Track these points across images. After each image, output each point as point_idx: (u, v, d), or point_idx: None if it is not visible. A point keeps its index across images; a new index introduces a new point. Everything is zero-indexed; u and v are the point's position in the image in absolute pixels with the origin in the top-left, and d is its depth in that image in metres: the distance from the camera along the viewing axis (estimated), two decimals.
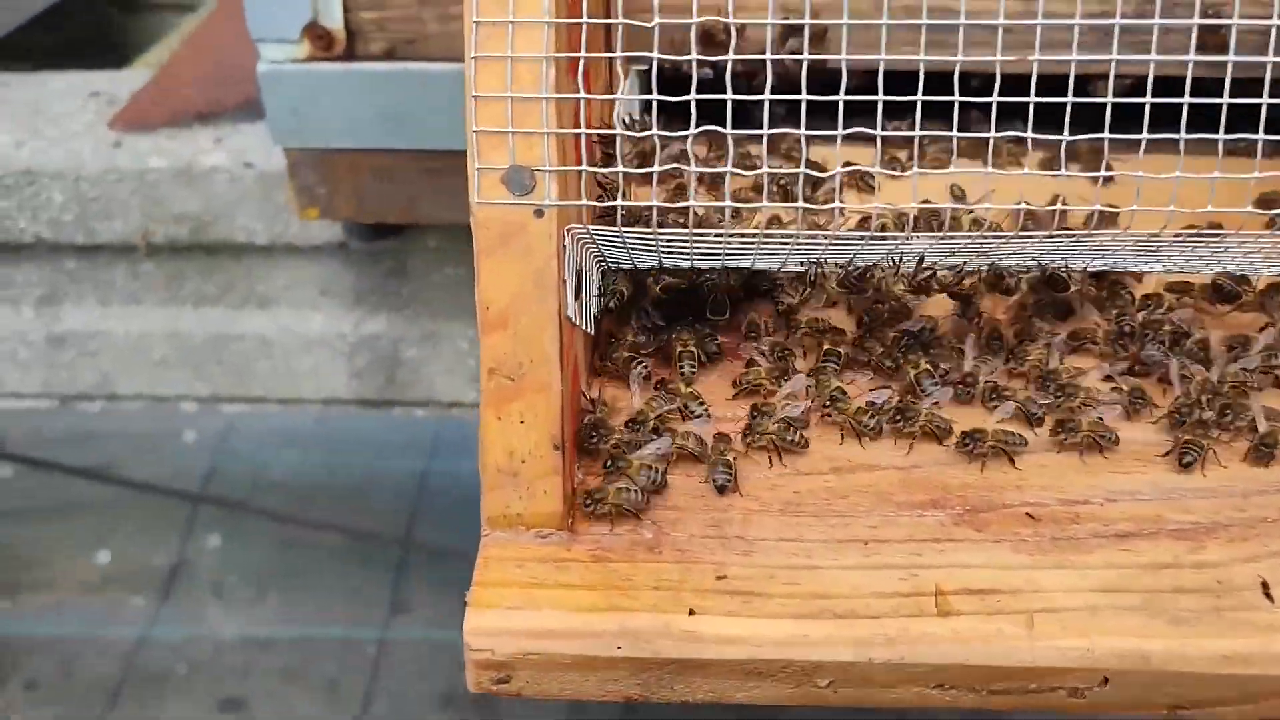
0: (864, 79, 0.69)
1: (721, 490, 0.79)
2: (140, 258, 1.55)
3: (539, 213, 0.73)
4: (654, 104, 0.73)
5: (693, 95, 0.69)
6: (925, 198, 1.01)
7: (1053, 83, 0.70)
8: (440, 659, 2.08)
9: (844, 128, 0.67)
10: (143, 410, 2.04)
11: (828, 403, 0.85)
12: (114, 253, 1.54)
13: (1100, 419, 0.84)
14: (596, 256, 0.85)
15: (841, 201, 0.95)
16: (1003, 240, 0.84)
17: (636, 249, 0.83)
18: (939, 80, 0.70)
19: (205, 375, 1.62)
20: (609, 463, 0.80)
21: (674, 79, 0.77)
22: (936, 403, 0.85)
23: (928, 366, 0.87)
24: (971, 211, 0.97)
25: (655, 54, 0.71)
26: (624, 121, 1.09)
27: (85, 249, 1.54)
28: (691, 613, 0.69)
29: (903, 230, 0.89)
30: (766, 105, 0.69)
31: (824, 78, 0.70)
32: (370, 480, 2.38)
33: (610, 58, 0.96)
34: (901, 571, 0.73)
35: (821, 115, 0.72)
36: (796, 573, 0.72)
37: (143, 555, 2.30)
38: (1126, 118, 0.71)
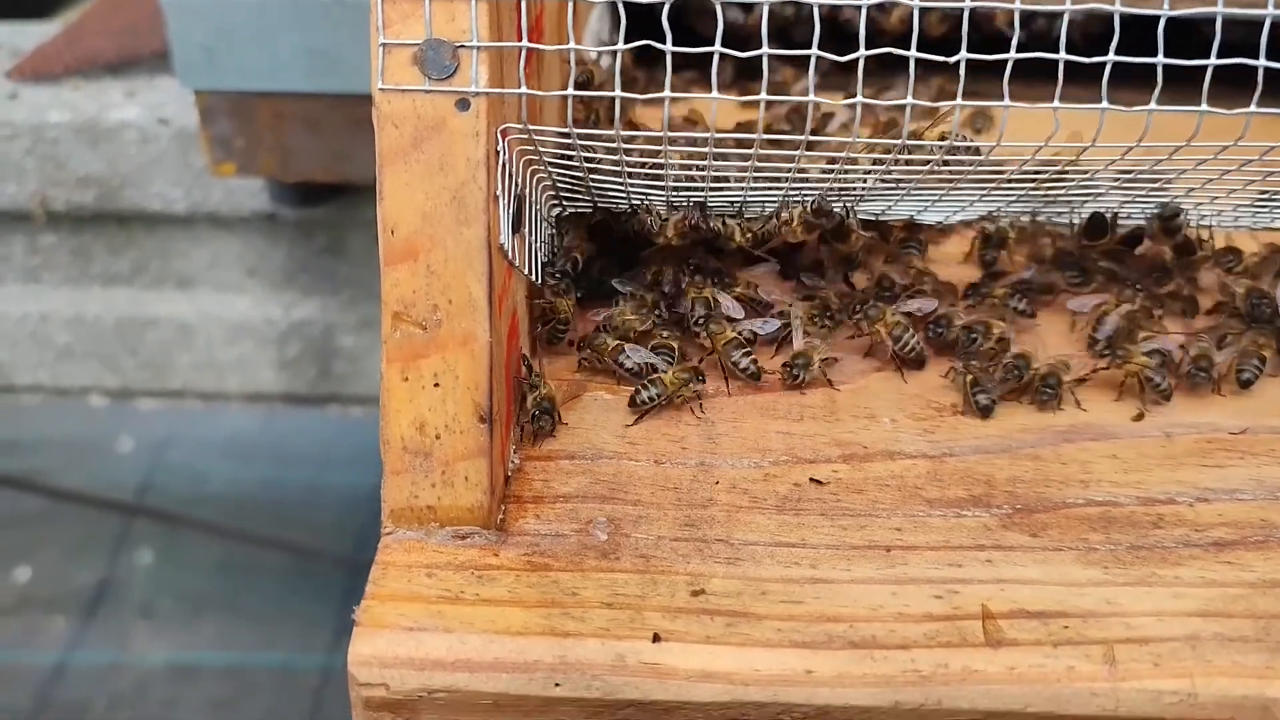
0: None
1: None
2: (39, 228, 1.36)
3: (463, 104, 0.55)
4: (621, 14, 0.55)
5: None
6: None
7: None
8: None
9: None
10: (69, 412, 1.87)
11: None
12: (8, 221, 1.36)
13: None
14: (546, 184, 0.67)
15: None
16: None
17: (596, 168, 0.65)
18: None
19: (115, 365, 1.43)
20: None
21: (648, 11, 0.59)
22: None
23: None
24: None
25: None
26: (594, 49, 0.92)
27: None
28: (657, 638, 0.54)
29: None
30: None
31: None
32: (316, 493, 2.23)
33: None
34: (936, 587, 0.57)
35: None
36: (797, 587, 0.57)
37: (66, 572, 2.14)
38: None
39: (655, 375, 0.68)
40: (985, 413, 0.68)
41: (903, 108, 0.56)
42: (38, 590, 2.11)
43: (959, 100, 0.56)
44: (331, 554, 2.14)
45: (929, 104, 0.55)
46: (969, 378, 0.68)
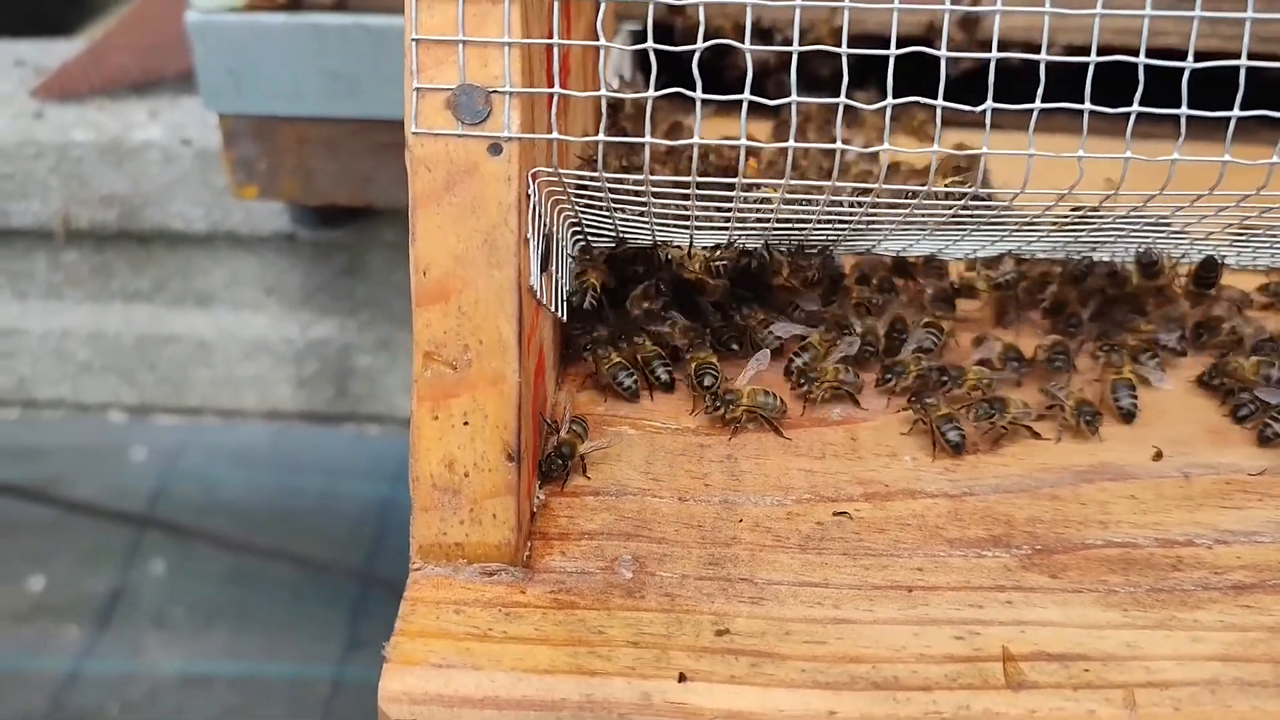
0: None
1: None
2: (62, 245, 1.37)
3: (495, 149, 0.56)
4: (651, 59, 0.55)
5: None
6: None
7: None
8: None
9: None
10: (85, 423, 1.88)
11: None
12: (31, 239, 1.37)
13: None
14: (571, 220, 0.68)
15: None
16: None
17: (623, 211, 0.66)
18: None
19: (135, 382, 1.44)
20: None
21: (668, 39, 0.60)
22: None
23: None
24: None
25: None
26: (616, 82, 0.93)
27: None
28: (682, 678, 0.55)
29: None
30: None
31: None
32: (328, 505, 2.23)
33: None
34: (957, 628, 0.58)
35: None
36: (820, 627, 0.58)
37: (80, 581, 2.14)
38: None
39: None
40: (956, 450, 0.68)
41: (930, 156, 0.57)
42: (51, 599, 2.12)
43: (984, 149, 0.57)
44: (342, 566, 2.15)
45: (956, 152, 0.56)
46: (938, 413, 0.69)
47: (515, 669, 0.55)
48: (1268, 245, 0.74)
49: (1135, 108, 0.56)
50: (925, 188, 0.59)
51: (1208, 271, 0.77)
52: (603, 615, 0.58)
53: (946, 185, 0.66)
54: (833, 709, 0.54)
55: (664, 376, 0.73)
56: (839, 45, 0.54)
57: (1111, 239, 0.73)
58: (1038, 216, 0.67)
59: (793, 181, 0.59)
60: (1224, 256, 0.77)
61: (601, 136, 0.58)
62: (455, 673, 0.55)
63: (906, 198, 0.62)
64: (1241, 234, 0.70)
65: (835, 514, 0.64)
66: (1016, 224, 0.69)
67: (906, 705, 0.54)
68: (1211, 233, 0.70)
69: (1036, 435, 0.70)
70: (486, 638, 0.56)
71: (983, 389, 0.71)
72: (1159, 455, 0.69)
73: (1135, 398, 0.72)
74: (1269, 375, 0.72)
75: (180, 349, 1.44)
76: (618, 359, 0.72)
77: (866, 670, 0.55)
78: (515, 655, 0.55)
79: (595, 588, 0.59)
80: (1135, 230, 0.72)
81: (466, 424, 0.59)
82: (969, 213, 0.66)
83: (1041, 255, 0.79)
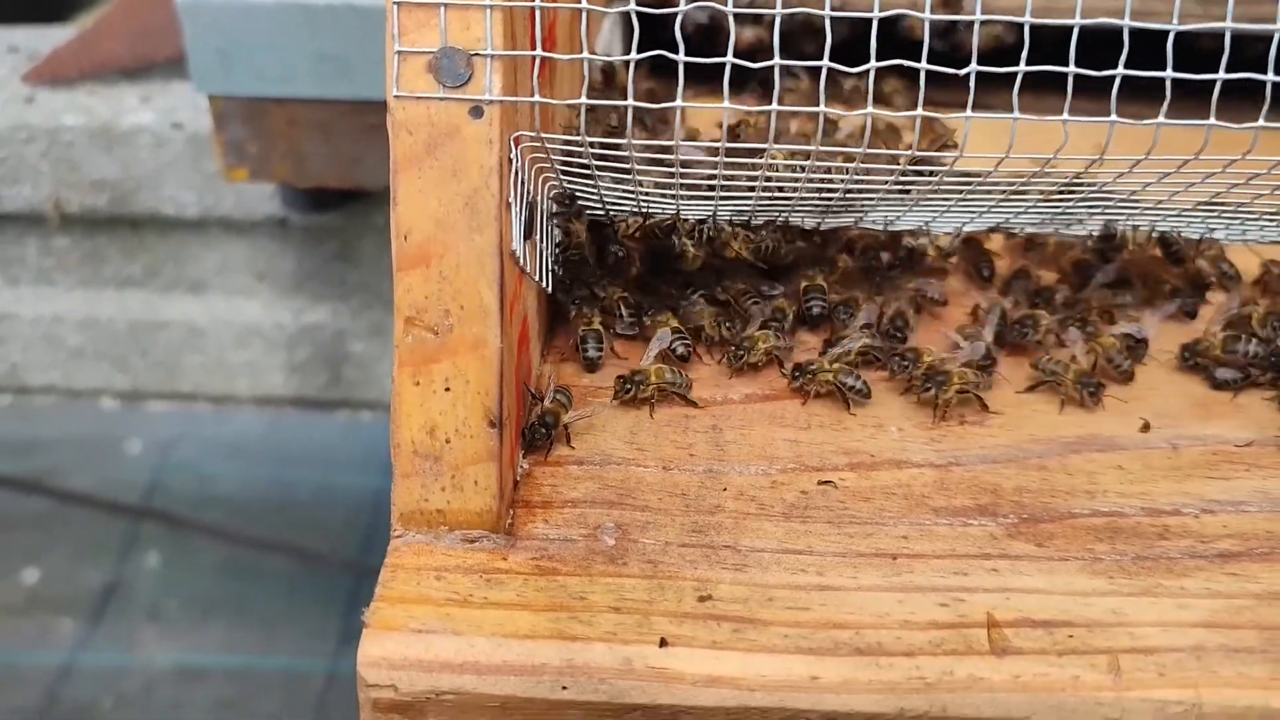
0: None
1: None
2: (53, 230, 1.37)
3: (477, 111, 0.56)
4: (633, 22, 0.55)
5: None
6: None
7: None
8: None
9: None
10: (79, 415, 1.87)
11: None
12: (22, 224, 1.37)
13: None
14: (556, 189, 0.68)
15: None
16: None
17: (609, 177, 0.65)
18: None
19: (126, 367, 1.44)
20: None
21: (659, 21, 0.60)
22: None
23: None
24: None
25: None
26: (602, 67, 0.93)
27: None
28: (664, 643, 0.54)
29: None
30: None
31: None
32: (323, 497, 2.22)
33: None
34: (942, 595, 0.57)
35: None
36: (804, 594, 0.57)
37: (74, 574, 2.14)
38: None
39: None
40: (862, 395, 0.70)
41: (912, 120, 0.57)
42: (46, 591, 2.11)
43: (969, 112, 0.57)
44: (338, 558, 2.13)
45: (937, 115, 0.56)
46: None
47: (495, 634, 0.54)
48: (1255, 218, 0.73)
49: (1120, 70, 0.55)
50: (909, 152, 0.58)
51: (1168, 246, 0.77)
52: (585, 581, 0.57)
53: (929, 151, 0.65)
54: (815, 674, 0.53)
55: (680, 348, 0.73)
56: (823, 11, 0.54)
57: (1099, 210, 0.73)
58: (1024, 184, 0.67)
59: (777, 146, 0.59)
60: (1212, 230, 0.77)
61: (584, 99, 0.57)
62: (435, 638, 0.54)
63: (890, 163, 0.62)
64: (1229, 205, 0.70)
65: (820, 483, 0.64)
66: (1002, 194, 0.68)
67: (889, 670, 0.53)
68: (1199, 203, 0.69)
69: (985, 406, 0.70)
70: (467, 603, 0.56)
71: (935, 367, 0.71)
72: (1146, 427, 0.69)
73: (1129, 359, 0.72)
74: (1234, 350, 0.73)
75: (172, 335, 1.43)
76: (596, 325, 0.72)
77: (850, 636, 0.55)
78: (496, 621, 0.55)
79: (578, 555, 0.59)
80: (1122, 202, 0.71)
81: (448, 390, 0.58)
82: (953, 183, 0.66)
83: (1030, 229, 0.79)
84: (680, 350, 0.73)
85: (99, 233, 1.38)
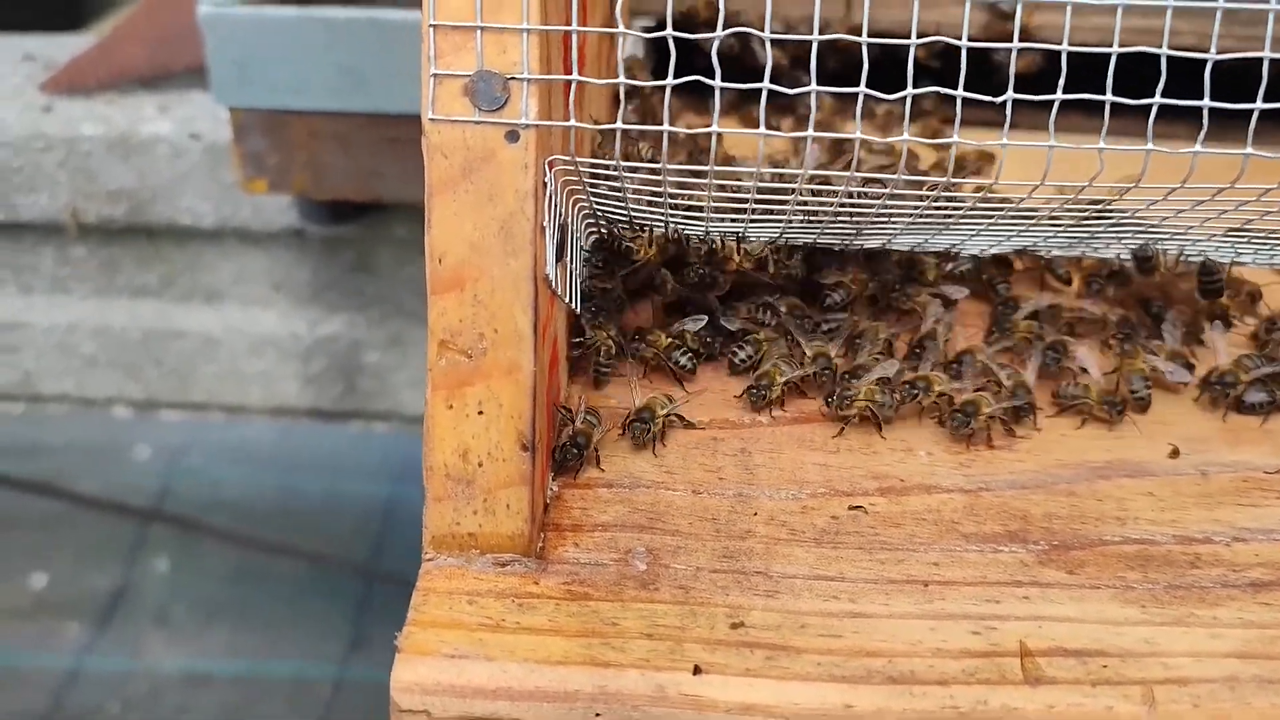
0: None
1: None
2: (69, 240, 1.37)
3: (513, 135, 0.56)
4: (670, 47, 0.55)
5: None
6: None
7: None
8: None
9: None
10: (88, 418, 1.87)
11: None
12: (39, 232, 1.37)
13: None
14: (585, 211, 0.68)
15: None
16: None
17: (640, 201, 0.65)
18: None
19: (140, 377, 1.44)
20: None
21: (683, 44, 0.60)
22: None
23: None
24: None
25: None
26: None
27: (6, 227, 1.37)
28: (697, 670, 0.54)
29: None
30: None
31: None
32: (333, 502, 2.22)
33: None
34: (974, 623, 0.57)
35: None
36: (836, 621, 0.57)
37: (82, 578, 2.14)
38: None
39: None
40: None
41: (948, 147, 0.57)
42: (53, 595, 2.11)
43: (1004, 140, 0.57)
44: (346, 564, 2.13)
45: (974, 144, 0.56)
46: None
47: (528, 660, 0.54)
48: None
49: (1157, 99, 0.55)
50: (945, 179, 0.58)
51: (1208, 276, 0.77)
52: (617, 607, 0.57)
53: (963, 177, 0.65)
54: (849, 703, 0.53)
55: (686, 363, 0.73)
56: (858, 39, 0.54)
57: (1130, 235, 0.73)
58: (1056, 210, 0.67)
59: (812, 171, 0.59)
60: (1239, 254, 0.77)
61: (619, 124, 0.57)
62: (468, 663, 0.54)
63: (924, 190, 0.62)
64: (1261, 231, 0.70)
65: (850, 508, 0.64)
66: (1034, 219, 0.68)
67: (923, 700, 0.53)
68: (1232, 229, 0.69)
69: (1012, 432, 0.70)
70: (499, 628, 0.56)
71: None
72: (1175, 453, 0.69)
73: (1150, 388, 0.72)
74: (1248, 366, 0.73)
75: (187, 344, 1.43)
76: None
77: (883, 664, 0.55)
78: (528, 646, 0.55)
79: (609, 579, 0.59)
80: (1153, 227, 0.71)
81: (481, 413, 0.58)
82: (986, 207, 0.66)
83: (1057, 253, 0.79)
84: (685, 363, 0.72)
85: (115, 242, 1.38)
